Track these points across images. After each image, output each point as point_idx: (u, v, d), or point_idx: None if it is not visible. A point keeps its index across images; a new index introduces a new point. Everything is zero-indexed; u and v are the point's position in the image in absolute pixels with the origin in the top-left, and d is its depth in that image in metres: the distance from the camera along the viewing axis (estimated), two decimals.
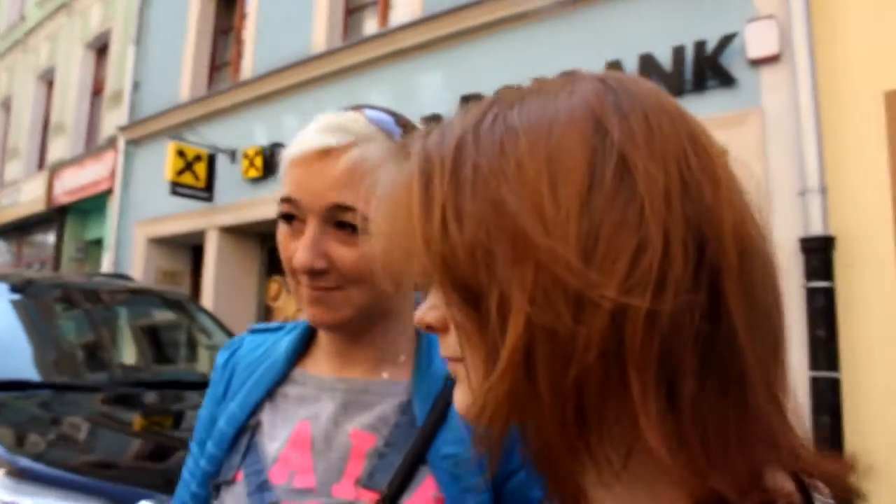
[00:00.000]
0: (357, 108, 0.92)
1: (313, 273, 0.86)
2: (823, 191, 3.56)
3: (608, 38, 4.47)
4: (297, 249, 0.87)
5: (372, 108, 0.92)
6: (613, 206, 0.43)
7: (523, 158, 0.45)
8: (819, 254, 3.52)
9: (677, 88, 4.17)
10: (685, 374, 0.42)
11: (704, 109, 4.07)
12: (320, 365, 0.97)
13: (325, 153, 0.87)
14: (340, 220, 0.86)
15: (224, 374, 1.02)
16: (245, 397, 0.97)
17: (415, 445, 0.88)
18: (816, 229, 3.55)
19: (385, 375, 0.94)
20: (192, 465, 1.00)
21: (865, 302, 3.43)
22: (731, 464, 0.42)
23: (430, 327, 0.52)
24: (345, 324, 0.89)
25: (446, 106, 5.12)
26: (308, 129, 0.88)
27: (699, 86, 4.14)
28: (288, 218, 0.89)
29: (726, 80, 4.03)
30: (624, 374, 0.41)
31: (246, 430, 0.95)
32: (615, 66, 4.37)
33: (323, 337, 0.97)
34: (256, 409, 0.96)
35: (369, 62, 5.74)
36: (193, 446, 1.02)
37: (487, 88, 5.00)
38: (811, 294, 3.52)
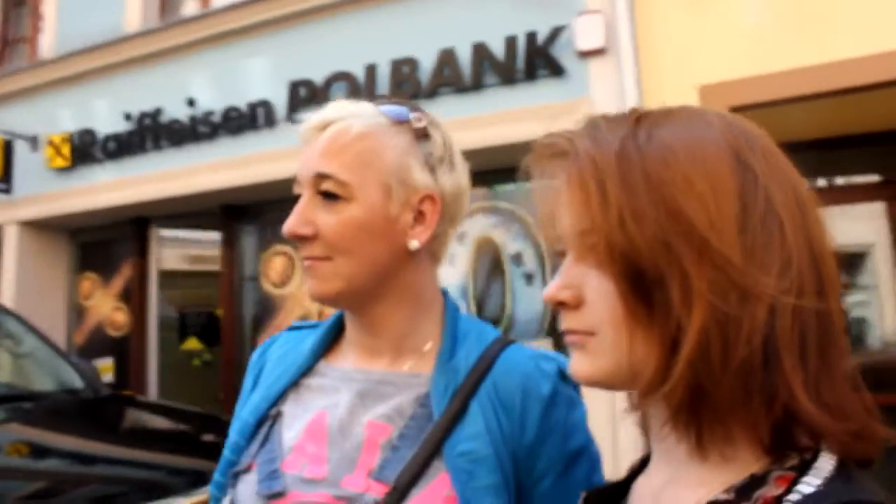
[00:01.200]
0: (376, 99, 0.96)
1: (302, 240, 0.88)
2: None
3: (442, 26, 4.45)
4: None
5: (390, 102, 0.95)
6: (763, 227, 0.57)
7: (689, 175, 0.57)
8: None
9: (510, 77, 4.24)
10: (811, 353, 0.56)
11: (536, 98, 4.17)
12: (345, 358, 0.97)
13: (321, 127, 0.91)
14: (323, 189, 0.88)
15: (254, 369, 1.04)
16: (269, 388, 0.97)
17: (429, 439, 0.85)
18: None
19: (406, 368, 0.93)
20: (221, 460, 1.00)
21: None
22: (844, 413, 0.56)
23: (560, 304, 0.63)
24: (338, 297, 0.90)
25: (274, 92, 4.88)
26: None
27: (530, 75, 4.22)
28: (297, 200, 0.91)
29: (556, 71, 4.14)
30: (777, 353, 0.55)
31: (267, 420, 0.95)
32: (449, 53, 4.37)
33: (348, 328, 0.98)
34: (279, 399, 0.96)
35: (190, 45, 5.34)
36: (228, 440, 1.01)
37: (318, 75, 4.81)
38: None
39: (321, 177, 0.88)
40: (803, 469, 0.56)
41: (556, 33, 4.13)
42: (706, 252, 0.55)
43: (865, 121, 4.14)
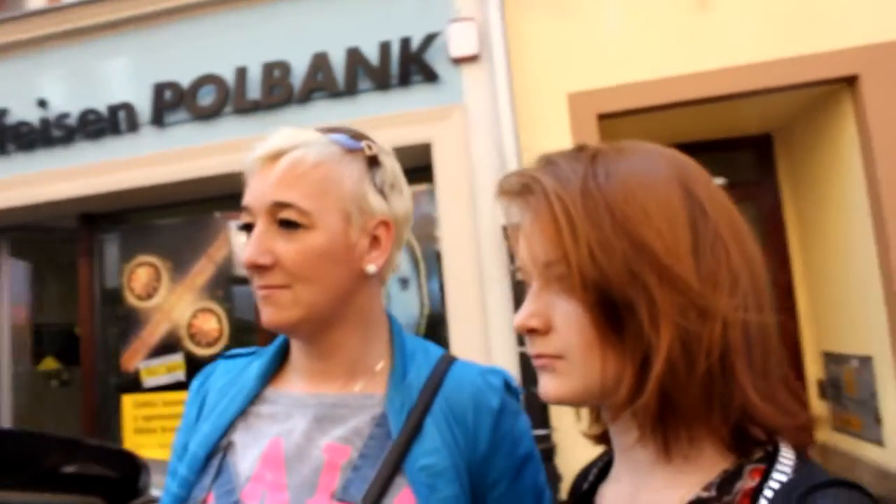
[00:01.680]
0: (321, 129, 0.96)
1: (259, 269, 0.88)
2: None
3: (315, 30, 4.37)
4: None
5: (336, 131, 0.96)
6: (713, 252, 0.64)
7: (647, 208, 0.63)
8: None
9: (384, 83, 4.22)
10: (757, 360, 0.63)
11: (410, 104, 4.18)
12: (294, 383, 0.97)
13: (272, 158, 0.90)
14: (282, 218, 0.88)
15: (196, 400, 1.01)
16: (217, 418, 0.95)
17: (390, 456, 0.87)
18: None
19: (358, 388, 0.93)
20: (165, 496, 0.96)
21: None
22: (789, 410, 0.64)
23: (531, 331, 0.69)
24: (297, 325, 0.89)
25: (137, 95, 4.62)
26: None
27: (404, 81, 4.23)
28: (246, 229, 0.91)
29: (430, 77, 4.17)
30: (731, 362, 0.62)
31: (217, 452, 0.93)
32: (322, 57, 4.30)
33: (295, 354, 0.97)
34: (228, 429, 0.94)
35: (36, 41, 4.95)
36: (168, 478, 0.98)
37: (185, 77, 4.60)
38: (517, 282, 3.80)
39: (280, 206, 0.88)
40: (770, 461, 0.63)
41: (429, 39, 4.16)
42: (668, 278, 0.61)
43: (716, 128, 4.45)
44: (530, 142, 3.94)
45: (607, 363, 0.64)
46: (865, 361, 3.88)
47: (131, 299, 4.97)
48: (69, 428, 5.06)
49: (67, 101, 4.78)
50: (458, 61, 4.15)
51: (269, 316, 0.89)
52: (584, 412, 0.81)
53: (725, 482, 0.63)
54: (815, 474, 0.61)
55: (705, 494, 0.63)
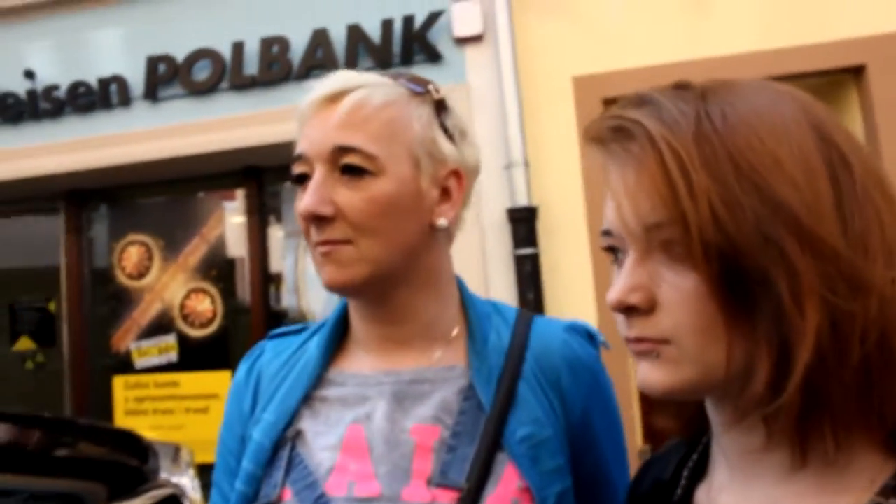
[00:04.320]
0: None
1: (319, 221, 0.80)
2: (526, 164, 3.83)
3: (316, 5, 4.28)
4: None
5: (396, 76, 0.89)
6: (860, 210, 0.52)
7: (777, 155, 0.52)
8: (525, 223, 3.80)
9: (385, 61, 4.15)
10: None
11: None
12: (360, 361, 0.89)
13: (332, 99, 0.82)
14: (345, 164, 0.80)
15: (248, 386, 0.93)
16: (280, 405, 0.87)
17: (486, 431, 0.80)
18: (522, 200, 3.81)
19: (438, 355, 0.87)
20: (220, 499, 0.91)
21: (564, 265, 3.80)
22: None
23: (629, 309, 0.57)
24: (363, 285, 0.82)
25: (130, 68, 4.49)
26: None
27: (407, 60, 4.16)
28: (300, 180, 0.84)
29: (433, 57, 4.11)
30: (891, 348, 0.51)
31: (285, 443, 0.85)
32: (322, 34, 4.21)
33: (360, 325, 0.89)
34: (293, 418, 0.86)
35: (23, 8, 4.78)
36: (219, 478, 0.91)
37: (180, 51, 4.50)
38: (519, 261, 3.79)
39: (343, 150, 0.80)
40: None
41: (433, 18, 4.09)
42: (810, 242, 0.50)
43: None
44: (534, 124, 3.91)
45: (734, 350, 0.53)
46: None
47: (122, 278, 4.87)
48: (52, 411, 4.95)
49: (56, 72, 4.63)
50: (462, 41, 4.09)
51: (330, 275, 0.81)
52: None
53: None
54: None
55: (888, 501, 0.52)
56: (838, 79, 3.76)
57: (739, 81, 0.59)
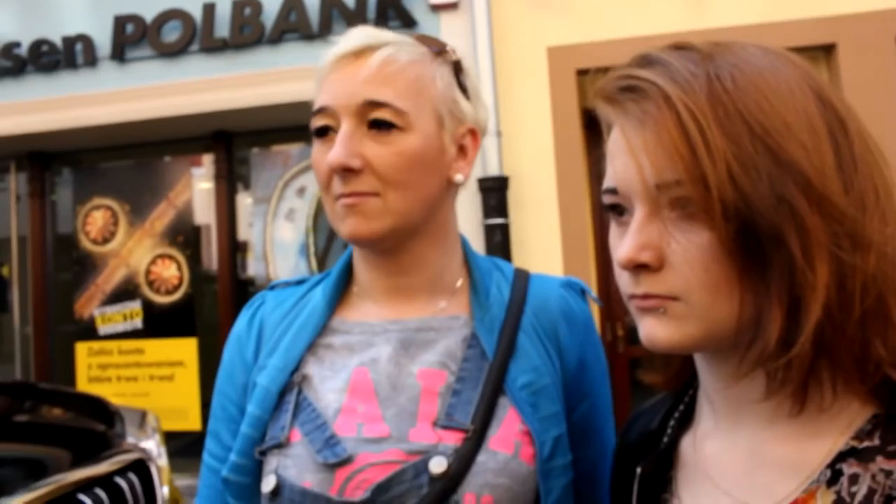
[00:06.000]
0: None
1: (346, 174, 0.82)
2: (499, 134, 3.82)
3: None
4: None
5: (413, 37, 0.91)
6: (857, 171, 0.55)
7: (786, 118, 0.54)
8: (495, 193, 3.79)
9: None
10: None
11: None
12: (366, 310, 0.91)
13: (359, 54, 0.84)
14: (374, 119, 0.83)
15: (251, 334, 0.95)
16: (287, 351, 0.89)
17: (490, 377, 0.84)
18: (493, 170, 3.81)
19: (443, 305, 0.90)
20: (218, 448, 0.92)
21: (534, 236, 3.81)
22: None
23: (640, 266, 0.58)
24: (386, 237, 0.84)
25: (97, 27, 4.38)
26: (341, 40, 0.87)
27: (381, 25, 4.07)
28: (322, 133, 0.85)
29: (408, 22, 4.06)
30: (885, 301, 0.54)
31: (291, 387, 0.87)
32: None
33: (367, 276, 0.92)
34: (299, 364, 0.89)
35: None
36: (216, 427, 0.93)
37: (149, 12, 4.38)
38: (489, 230, 3.79)
39: (373, 105, 0.82)
40: None
41: None
42: (819, 201, 0.53)
43: None
44: (507, 94, 3.89)
45: (745, 306, 0.55)
46: None
47: (86, 243, 4.78)
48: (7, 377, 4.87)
49: (17, 29, 4.50)
50: (437, 8, 4.05)
51: (354, 226, 0.83)
52: None
53: (884, 426, 0.55)
54: None
55: (861, 444, 0.55)
56: (809, 56, 3.79)
57: (738, 43, 0.60)
